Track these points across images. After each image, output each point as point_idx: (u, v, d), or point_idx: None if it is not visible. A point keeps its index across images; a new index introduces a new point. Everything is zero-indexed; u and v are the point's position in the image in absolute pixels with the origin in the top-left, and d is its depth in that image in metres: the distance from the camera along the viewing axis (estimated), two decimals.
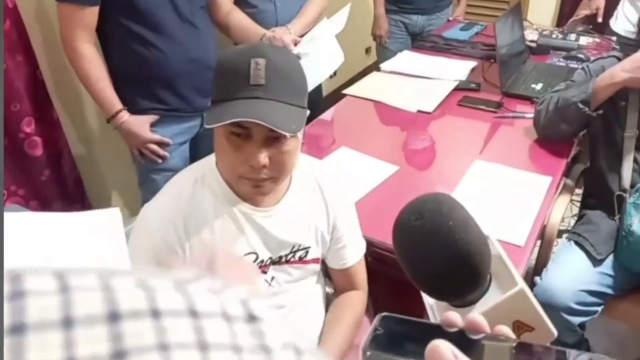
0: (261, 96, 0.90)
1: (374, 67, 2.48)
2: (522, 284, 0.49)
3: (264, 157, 0.92)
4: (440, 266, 0.48)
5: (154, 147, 1.60)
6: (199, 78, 1.62)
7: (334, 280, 1.27)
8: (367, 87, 2.19)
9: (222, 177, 1.04)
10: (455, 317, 0.38)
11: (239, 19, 1.82)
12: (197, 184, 1.04)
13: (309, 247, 1.13)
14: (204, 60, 1.63)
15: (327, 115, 2.02)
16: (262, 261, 1.09)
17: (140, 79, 1.54)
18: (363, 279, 1.25)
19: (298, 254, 1.12)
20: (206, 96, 1.70)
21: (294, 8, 2.04)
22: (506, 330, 0.39)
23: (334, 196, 1.14)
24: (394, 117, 2.01)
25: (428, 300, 0.54)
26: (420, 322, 0.38)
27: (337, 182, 1.17)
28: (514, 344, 0.36)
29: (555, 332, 0.50)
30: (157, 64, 1.53)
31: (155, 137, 1.59)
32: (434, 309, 0.53)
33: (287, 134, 0.91)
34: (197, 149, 1.72)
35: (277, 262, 1.11)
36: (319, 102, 2.14)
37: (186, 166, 1.64)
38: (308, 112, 0.98)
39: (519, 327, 0.49)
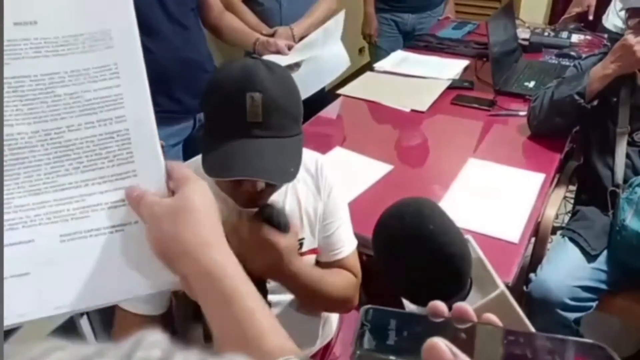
0: (259, 135, 0.88)
1: (368, 67, 2.49)
2: (502, 287, 0.49)
3: (261, 184, 0.91)
4: (422, 271, 0.48)
5: None
6: (190, 79, 1.62)
7: None
8: (361, 87, 2.20)
9: (214, 182, 1.02)
10: (441, 307, 0.38)
11: (231, 21, 1.82)
12: None
13: (302, 239, 1.12)
14: (195, 61, 1.63)
15: (321, 115, 2.02)
16: None
17: None
18: (357, 271, 1.23)
19: None
20: (198, 97, 1.69)
21: (300, 8, 2.06)
22: (494, 318, 0.38)
23: (327, 186, 1.14)
24: (388, 116, 2.01)
25: (409, 306, 0.53)
26: (406, 314, 0.37)
27: (333, 175, 1.17)
28: (504, 331, 0.35)
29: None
30: (147, 65, 1.53)
31: None
32: None
33: (283, 184, 0.91)
34: (191, 151, 1.72)
35: None
36: (322, 98, 2.14)
37: None
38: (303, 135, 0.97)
39: None
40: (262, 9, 2.05)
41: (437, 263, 0.48)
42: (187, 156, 1.71)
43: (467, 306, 0.37)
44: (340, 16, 1.81)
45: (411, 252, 0.48)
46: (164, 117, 1.64)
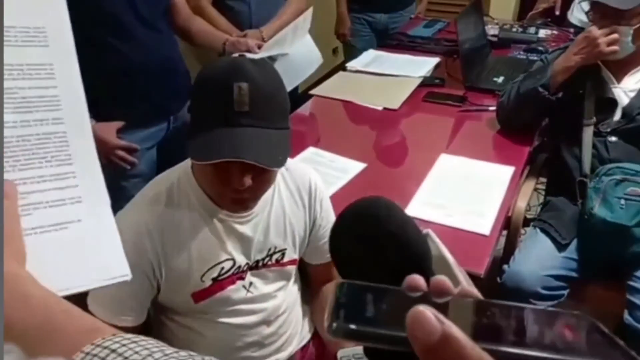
0: (246, 123, 0.88)
1: (342, 67, 2.50)
2: (464, 282, 0.50)
3: (248, 180, 0.91)
4: (381, 271, 0.47)
5: (122, 153, 1.58)
6: (164, 82, 1.61)
7: (313, 276, 1.26)
8: (334, 87, 2.21)
9: (198, 183, 1.02)
10: (418, 281, 0.35)
11: (200, 24, 1.82)
12: (172, 191, 1.02)
13: (284, 249, 1.12)
14: (168, 64, 1.63)
15: (294, 115, 2.03)
16: (240, 267, 1.07)
17: (104, 85, 1.53)
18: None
19: (275, 257, 1.11)
20: (172, 99, 1.69)
21: (269, 10, 2.07)
22: (474, 291, 0.37)
23: (321, 201, 1.15)
24: (360, 115, 2.03)
25: None
26: (382, 288, 0.35)
27: (323, 186, 1.18)
28: (486, 304, 0.34)
29: None
30: (121, 69, 1.52)
31: (123, 143, 1.58)
32: None
33: (274, 169, 0.91)
34: (165, 153, 1.71)
35: (254, 267, 1.10)
36: (296, 99, 2.16)
37: (154, 171, 1.66)
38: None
39: None
40: (232, 12, 2.06)
41: (396, 263, 0.48)
42: (161, 159, 1.70)
43: (446, 279, 0.36)
44: (309, 12, 1.82)
45: (369, 254, 0.48)
46: (138, 119, 1.65)
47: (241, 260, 1.07)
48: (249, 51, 1.78)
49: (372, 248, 0.48)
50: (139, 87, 1.56)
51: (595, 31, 1.60)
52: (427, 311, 0.28)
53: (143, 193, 1.05)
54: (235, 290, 1.08)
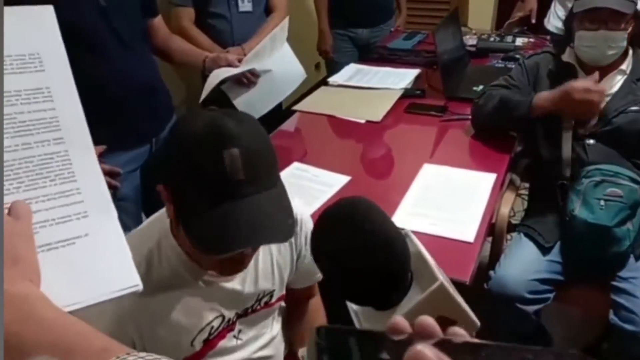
0: (244, 193, 0.79)
1: (324, 82, 2.53)
2: (442, 279, 0.49)
3: (250, 254, 0.89)
4: (358, 272, 0.48)
5: (105, 178, 1.58)
6: (145, 103, 1.62)
7: (295, 297, 1.23)
8: (316, 102, 2.24)
9: (179, 245, 0.94)
10: (402, 323, 0.34)
11: (179, 43, 1.84)
12: (151, 259, 0.94)
13: (273, 291, 1.09)
14: (148, 85, 1.63)
15: (277, 132, 2.05)
16: (229, 320, 1.04)
17: (84, 108, 1.54)
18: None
19: (264, 300, 1.09)
20: (153, 121, 1.70)
21: (250, 27, 2.11)
22: (461, 331, 0.36)
23: (303, 230, 1.09)
24: (343, 129, 2.05)
25: (352, 306, 0.53)
26: (365, 332, 0.35)
27: (309, 218, 1.12)
28: (475, 345, 0.33)
29: (478, 322, 0.50)
30: (100, 91, 1.53)
31: (105, 167, 1.58)
32: (359, 314, 0.53)
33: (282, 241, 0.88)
34: (148, 176, 1.71)
35: (243, 315, 1.07)
36: (279, 115, 2.18)
37: (138, 194, 1.67)
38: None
39: (441, 322, 0.49)
40: (214, 31, 2.09)
41: (374, 263, 0.48)
42: (144, 181, 1.70)
43: (429, 319, 0.35)
44: (285, 22, 1.85)
45: (347, 254, 0.48)
46: (118, 142, 1.65)
47: (230, 313, 1.04)
48: (229, 66, 1.80)
49: (352, 248, 0.48)
50: (118, 109, 1.56)
51: (576, 86, 1.61)
52: (427, 350, 0.27)
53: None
54: (226, 343, 1.06)
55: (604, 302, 1.56)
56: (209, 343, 1.02)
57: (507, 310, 1.54)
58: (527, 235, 1.68)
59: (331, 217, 0.51)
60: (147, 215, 1.10)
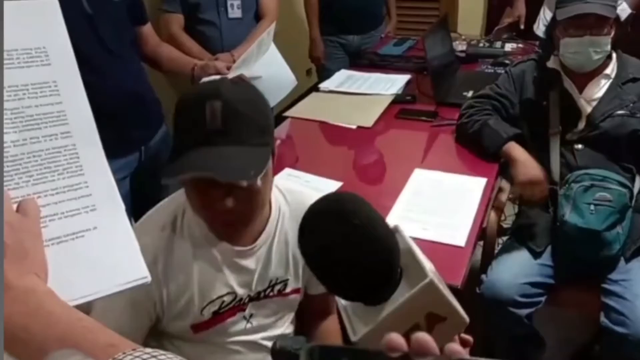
0: (219, 142, 0.87)
1: (316, 88, 2.54)
2: (431, 275, 0.48)
3: (229, 202, 0.90)
4: (347, 267, 0.47)
5: None
6: (133, 112, 1.62)
7: (310, 307, 1.24)
8: (308, 108, 2.24)
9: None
10: (398, 340, 0.34)
11: (168, 51, 1.84)
12: (176, 223, 1.02)
13: (287, 280, 1.11)
14: (137, 93, 1.63)
15: None
16: (241, 300, 1.07)
17: None
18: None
19: (277, 288, 1.10)
20: (142, 129, 1.69)
21: (240, 34, 2.11)
22: (458, 348, 0.36)
23: None
24: (335, 135, 2.06)
25: (341, 302, 0.53)
26: (359, 351, 0.34)
27: None
28: None
29: (467, 319, 0.50)
30: (89, 100, 1.52)
31: None
32: (348, 310, 0.52)
33: (244, 183, 0.88)
34: (139, 184, 1.71)
35: (255, 298, 1.09)
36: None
37: (128, 203, 1.65)
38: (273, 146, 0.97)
39: (431, 319, 0.48)
40: (204, 38, 2.10)
41: (363, 259, 0.47)
42: (134, 190, 1.70)
43: (427, 336, 0.34)
44: (272, 27, 1.86)
45: (335, 250, 0.47)
46: (107, 150, 1.64)
47: (242, 292, 1.07)
48: (218, 74, 1.80)
49: (339, 243, 0.47)
50: (106, 118, 1.55)
51: (530, 177, 1.64)
52: None
53: (149, 220, 1.05)
54: (235, 322, 1.08)
55: (595, 304, 1.57)
56: (218, 316, 1.06)
57: (499, 313, 1.55)
58: (518, 239, 1.69)
59: (318, 211, 0.50)
60: None
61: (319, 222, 0.49)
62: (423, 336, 0.34)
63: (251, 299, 1.08)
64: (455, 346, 0.36)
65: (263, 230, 1.07)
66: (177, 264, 1.01)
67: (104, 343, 0.43)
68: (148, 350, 0.41)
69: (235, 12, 2.15)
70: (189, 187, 0.95)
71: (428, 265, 0.50)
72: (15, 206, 0.50)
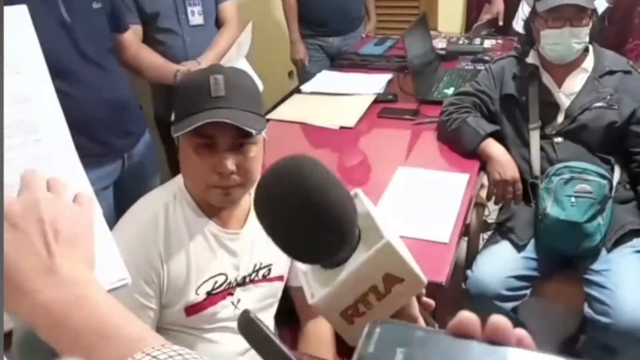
0: (223, 105, 0.98)
1: (298, 90, 2.54)
2: (387, 237, 0.47)
3: (230, 164, 0.99)
4: (301, 228, 0.47)
5: None
6: (114, 120, 1.61)
7: (297, 303, 1.28)
8: (289, 110, 2.24)
9: (192, 196, 1.10)
10: (469, 320, 0.32)
11: (149, 58, 1.83)
12: (169, 205, 1.09)
13: (270, 265, 1.17)
14: (117, 101, 1.62)
15: None
16: (230, 283, 1.13)
17: None
18: None
19: (261, 272, 1.16)
20: (124, 137, 1.69)
21: (203, 41, 2.06)
22: (528, 340, 0.33)
23: None
24: (318, 136, 2.06)
25: (301, 267, 0.52)
26: (422, 330, 0.32)
27: None
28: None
29: (425, 280, 0.50)
30: (67, 110, 1.51)
31: None
32: (308, 275, 0.52)
33: (253, 132, 0.98)
34: (122, 193, 1.69)
35: (242, 283, 1.14)
36: None
37: (111, 212, 1.65)
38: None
39: (388, 280, 0.48)
40: (165, 47, 1.99)
41: (316, 219, 0.46)
42: (118, 198, 1.69)
43: (505, 321, 0.31)
44: (249, 27, 1.84)
45: (289, 211, 0.47)
46: (89, 160, 1.62)
47: (231, 276, 1.12)
48: None
49: (292, 203, 0.46)
50: (88, 127, 1.55)
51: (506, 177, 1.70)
52: None
53: (143, 207, 1.10)
54: (224, 306, 1.13)
55: (578, 295, 1.59)
56: (211, 297, 1.11)
57: (485, 308, 1.56)
58: (501, 233, 1.71)
59: (271, 173, 0.49)
60: None
61: (272, 183, 0.48)
62: (500, 320, 0.31)
63: (238, 284, 1.14)
64: (523, 334, 0.33)
65: (248, 215, 1.14)
66: (175, 244, 1.07)
67: (135, 336, 0.44)
68: (175, 347, 0.43)
69: (196, 19, 2.07)
70: (190, 154, 1.02)
71: (386, 227, 0.50)
72: (71, 195, 0.51)
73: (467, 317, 0.32)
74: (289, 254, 0.50)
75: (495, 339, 0.31)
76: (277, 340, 0.45)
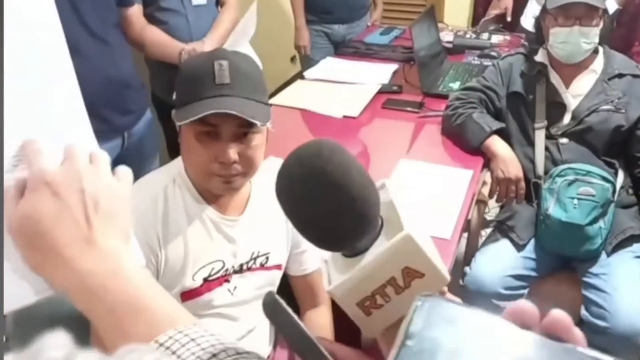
0: (227, 93, 0.96)
1: (300, 75, 2.51)
2: (408, 229, 0.47)
3: (233, 153, 0.98)
4: (323, 214, 0.46)
5: None
6: (116, 97, 1.58)
7: (297, 293, 1.28)
8: (292, 96, 2.21)
9: (192, 182, 1.08)
10: (527, 308, 0.30)
11: (155, 35, 1.78)
12: (169, 189, 1.08)
13: (268, 253, 1.15)
14: (120, 78, 1.59)
15: None
16: (227, 270, 1.11)
17: None
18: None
19: (259, 261, 1.15)
20: (125, 115, 1.65)
21: (206, 21, 2.02)
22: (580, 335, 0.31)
23: None
24: (320, 124, 2.03)
25: (324, 256, 0.52)
26: (475, 312, 0.30)
27: None
28: None
29: (448, 277, 0.49)
30: None
31: None
32: (329, 262, 0.52)
33: (258, 123, 0.96)
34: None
35: (238, 271, 1.13)
36: None
37: None
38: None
39: (408, 274, 0.47)
40: (167, 27, 1.95)
41: (337, 206, 0.46)
42: None
43: (568, 318, 0.30)
44: (253, 6, 1.80)
45: (311, 197, 0.46)
46: None
47: (229, 263, 1.11)
48: None
49: (314, 189, 0.46)
50: (89, 103, 1.51)
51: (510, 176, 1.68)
52: None
53: (142, 189, 1.06)
54: (220, 293, 1.11)
55: (576, 297, 1.59)
56: (207, 284, 1.09)
57: (482, 305, 1.54)
58: (501, 232, 1.70)
59: (295, 157, 0.48)
60: None
61: (294, 167, 0.48)
62: (561, 316, 0.29)
63: (235, 271, 1.12)
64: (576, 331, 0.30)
65: (248, 202, 1.13)
66: (173, 227, 1.06)
67: (167, 314, 0.45)
68: (205, 327, 0.44)
69: None
70: (193, 142, 1.00)
71: (408, 220, 0.49)
72: (107, 169, 0.51)
73: (528, 307, 0.30)
74: (310, 239, 0.49)
75: (554, 334, 0.29)
76: (301, 324, 0.45)
